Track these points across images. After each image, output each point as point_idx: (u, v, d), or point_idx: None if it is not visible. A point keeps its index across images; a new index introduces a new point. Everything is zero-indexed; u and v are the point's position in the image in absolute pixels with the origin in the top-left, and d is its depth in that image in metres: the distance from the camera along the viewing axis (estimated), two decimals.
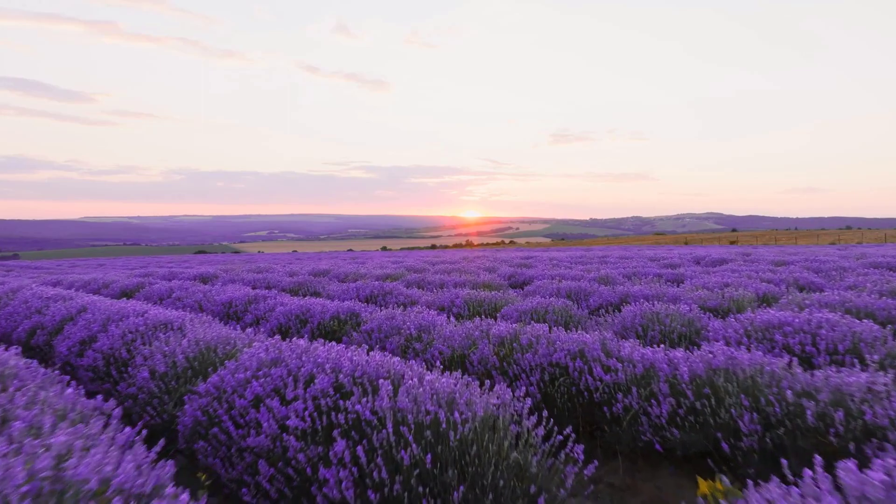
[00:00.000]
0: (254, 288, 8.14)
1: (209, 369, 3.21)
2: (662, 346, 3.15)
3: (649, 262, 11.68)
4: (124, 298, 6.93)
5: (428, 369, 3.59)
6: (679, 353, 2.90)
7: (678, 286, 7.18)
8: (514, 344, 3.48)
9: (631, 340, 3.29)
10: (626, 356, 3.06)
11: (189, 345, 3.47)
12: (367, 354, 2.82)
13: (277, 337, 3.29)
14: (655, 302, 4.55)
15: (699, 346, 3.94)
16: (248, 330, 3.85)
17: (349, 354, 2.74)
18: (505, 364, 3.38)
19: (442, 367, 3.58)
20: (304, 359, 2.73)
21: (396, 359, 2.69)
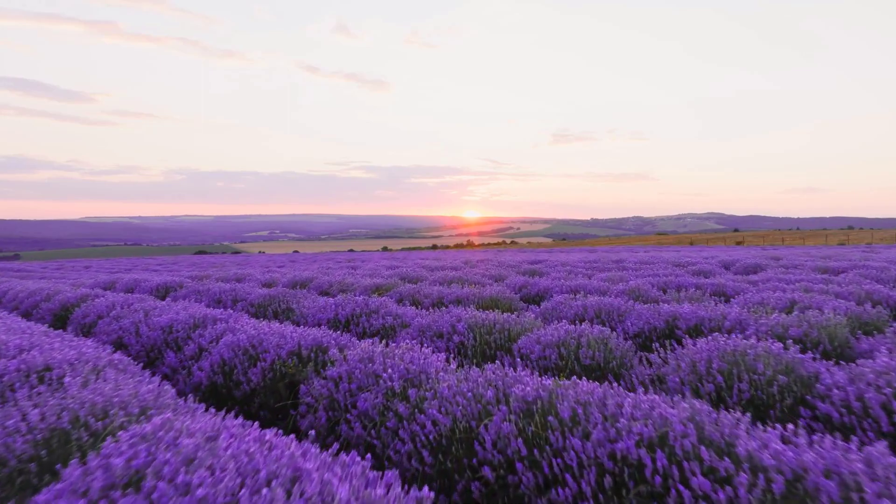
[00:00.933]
0: (218, 303, 6.91)
1: (58, 466, 1.98)
2: (802, 434, 1.92)
3: (676, 269, 10.35)
4: (51, 323, 5.72)
5: (411, 460, 2.35)
6: (855, 461, 1.65)
7: (727, 303, 5.92)
8: (550, 417, 2.23)
9: (743, 418, 2.04)
10: (745, 453, 1.82)
11: (47, 415, 2.24)
12: (302, 458, 1.58)
13: (188, 405, 2.06)
14: (735, 334, 3.29)
15: (815, 410, 2.70)
16: (151, 385, 2.60)
17: (265, 472, 1.51)
18: (537, 451, 2.14)
19: (436, 453, 2.34)
20: (180, 479, 1.50)
21: (347, 486, 1.45)
